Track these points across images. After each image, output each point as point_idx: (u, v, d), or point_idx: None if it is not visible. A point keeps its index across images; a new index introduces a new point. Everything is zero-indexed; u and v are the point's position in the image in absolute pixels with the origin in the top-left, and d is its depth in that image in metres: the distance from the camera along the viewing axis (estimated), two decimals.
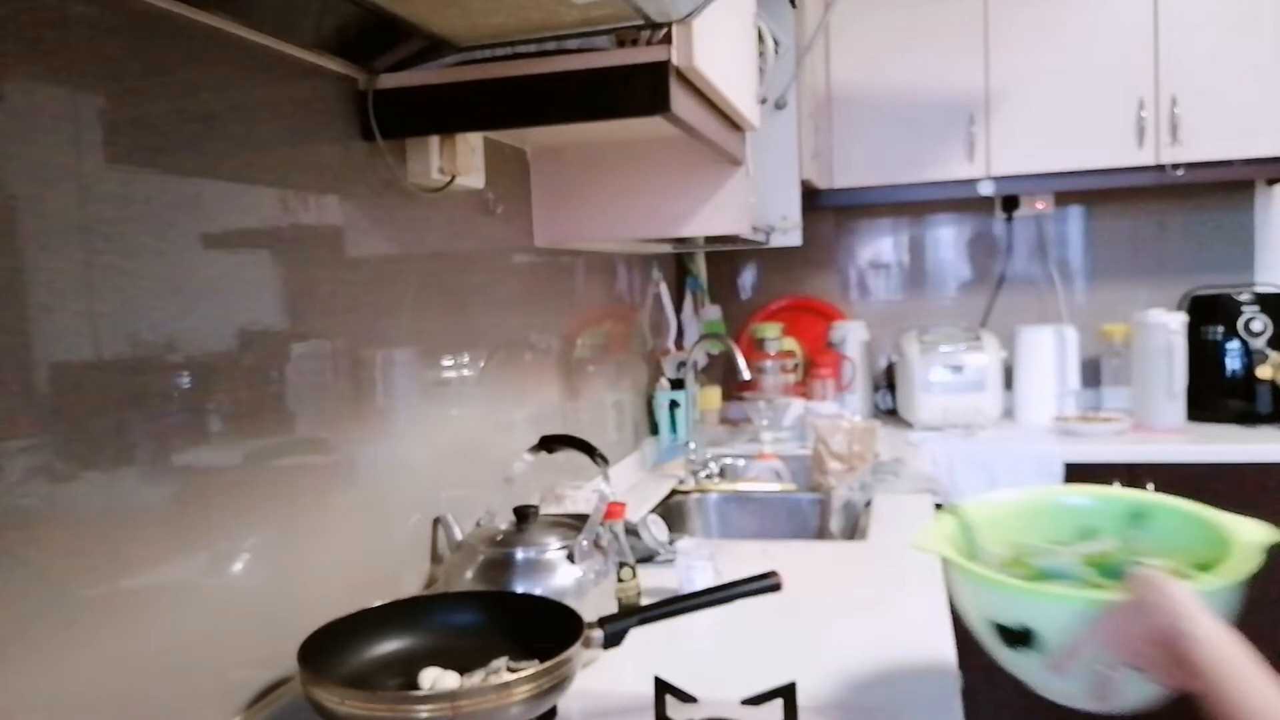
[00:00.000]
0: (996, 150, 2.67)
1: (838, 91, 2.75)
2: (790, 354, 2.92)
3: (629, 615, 1.03)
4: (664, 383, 2.61)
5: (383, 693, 0.93)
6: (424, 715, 0.84)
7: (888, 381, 3.05)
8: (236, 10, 0.99)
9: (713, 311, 3.07)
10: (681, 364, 2.59)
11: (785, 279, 3.19)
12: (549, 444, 1.34)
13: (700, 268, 3.05)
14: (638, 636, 1.02)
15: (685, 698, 0.99)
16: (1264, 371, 2.54)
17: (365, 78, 1.24)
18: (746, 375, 2.14)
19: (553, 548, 1.20)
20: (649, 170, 1.77)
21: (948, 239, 3.09)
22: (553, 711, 0.96)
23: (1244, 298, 2.61)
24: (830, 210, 3.07)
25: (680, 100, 1.21)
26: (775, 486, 2.29)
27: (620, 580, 1.31)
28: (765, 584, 1.08)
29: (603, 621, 1.01)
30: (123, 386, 0.86)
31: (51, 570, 0.78)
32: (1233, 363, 2.60)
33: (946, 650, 1.20)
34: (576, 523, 1.27)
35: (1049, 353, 2.76)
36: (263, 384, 1.05)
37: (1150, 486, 2.36)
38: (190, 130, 0.95)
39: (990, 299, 3.05)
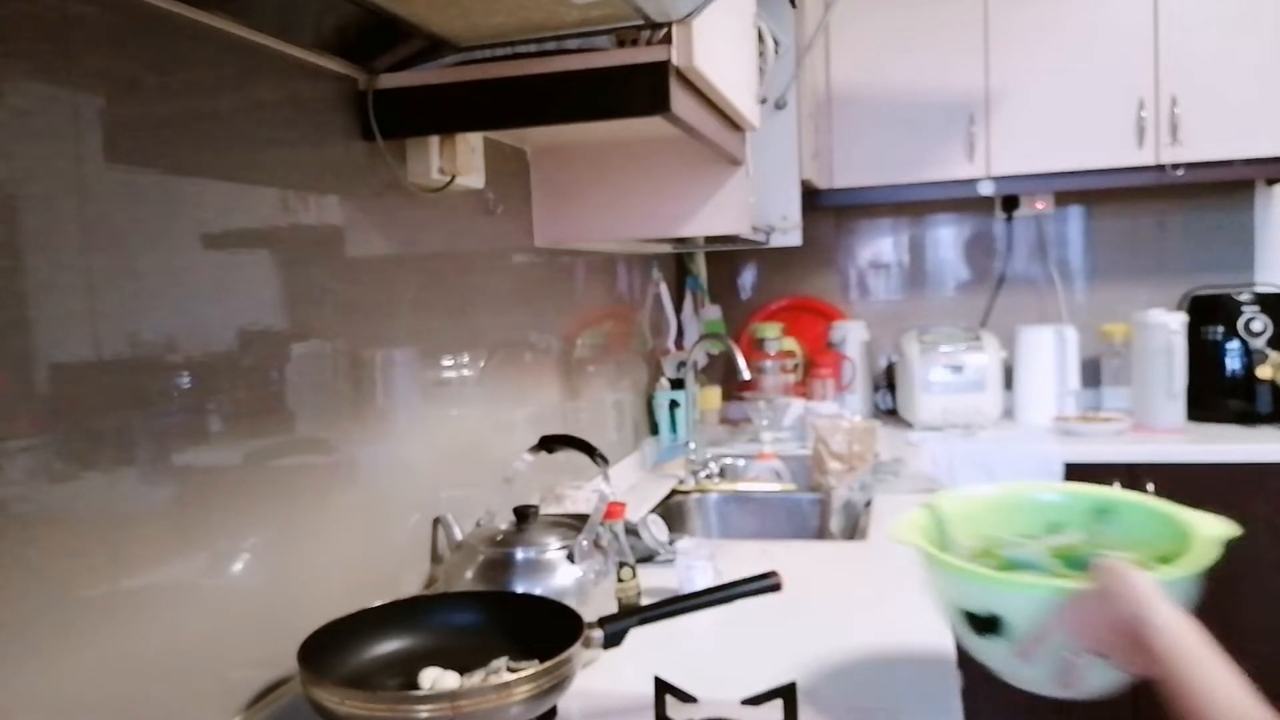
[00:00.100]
0: (996, 150, 2.67)
1: (838, 91, 2.75)
2: (790, 354, 2.92)
3: (629, 615, 1.03)
4: (664, 383, 2.61)
5: (383, 693, 0.93)
6: (424, 715, 0.84)
7: (888, 381, 3.05)
8: (237, 10, 0.99)
9: (713, 311, 3.07)
10: (681, 364, 2.59)
11: (785, 279, 3.19)
12: (549, 444, 1.34)
13: (700, 268, 3.05)
14: (638, 636, 1.02)
15: (685, 698, 0.99)
16: (1264, 371, 2.54)
17: (365, 78, 1.24)
18: (746, 375, 2.14)
19: (553, 548, 1.20)
20: (649, 170, 1.77)
21: (948, 239, 3.09)
22: (553, 711, 0.96)
23: (1244, 298, 2.61)
24: (830, 210, 3.06)
25: (680, 100, 1.21)
26: (775, 486, 2.29)
27: (620, 580, 1.31)
28: (765, 584, 1.08)
29: (603, 621, 1.01)
30: (123, 386, 0.86)
31: (51, 570, 0.78)
32: (1233, 363, 2.60)
33: (946, 650, 1.20)
34: (576, 523, 1.27)
35: (1049, 353, 2.76)
36: (263, 384, 1.05)
37: (1150, 486, 2.36)
38: (190, 130, 0.95)
39: (990, 299, 3.05)
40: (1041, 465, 2.42)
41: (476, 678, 0.95)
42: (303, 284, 1.13)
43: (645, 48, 1.17)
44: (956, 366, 2.73)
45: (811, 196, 2.72)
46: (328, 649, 0.97)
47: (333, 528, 1.17)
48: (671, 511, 2.15)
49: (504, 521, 1.28)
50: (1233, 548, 0.94)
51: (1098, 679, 0.89)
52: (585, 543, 1.22)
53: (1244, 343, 2.58)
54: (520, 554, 1.19)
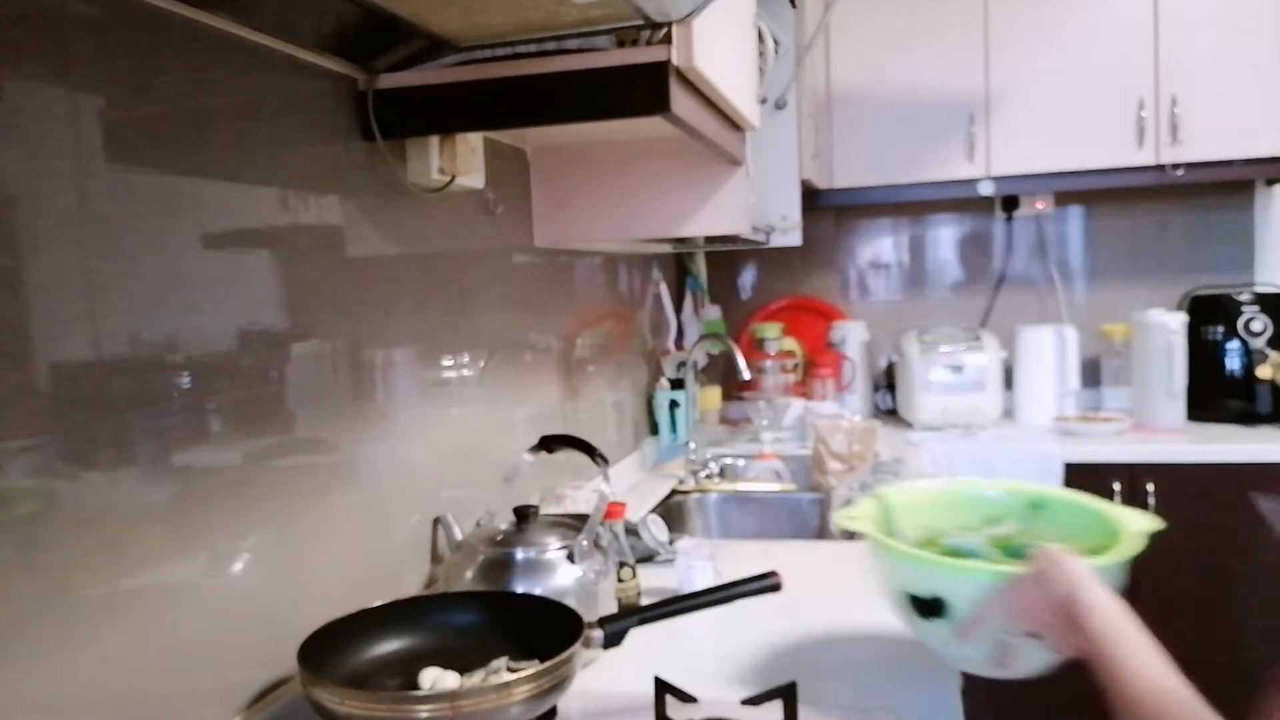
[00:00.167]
0: (996, 150, 2.67)
1: (838, 91, 2.75)
2: (790, 354, 2.92)
3: (629, 615, 1.03)
4: (664, 383, 2.61)
5: (383, 693, 0.93)
6: (424, 715, 0.84)
7: (888, 381, 3.05)
8: (236, 10, 0.99)
9: (713, 311, 3.07)
10: (681, 364, 2.59)
11: (785, 279, 3.19)
12: (549, 444, 1.34)
13: (700, 268, 3.05)
14: (638, 636, 1.02)
15: (685, 698, 0.99)
16: (1264, 371, 2.54)
17: (365, 78, 1.24)
18: (746, 375, 2.14)
19: (553, 548, 1.20)
20: (649, 170, 1.77)
21: (948, 239, 3.09)
22: (553, 711, 0.96)
23: (1244, 298, 2.61)
24: (830, 210, 3.07)
25: (680, 100, 1.21)
26: (775, 486, 2.29)
27: (620, 580, 1.31)
28: (765, 584, 1.08)
29: (603, 621, 1.00)
30: (123, 386, 0.86)
31: (51, 570, 0.78)
32: (1233, 363, 2.60)
33: None
34: (576, 523, 1.27)
35: (1049, 353, 2.76)
36: (263, 384, 1.05)
37: (1150, 486, 2.37)
38: (190, 130, 0.95)
39: (990, 299, 3.05)
40: (1041, 465, 2.42)
41: (476, 678, 0.95)
42: (303, 284, 1.13)
43: (645, 48, 1.17)
44: (956, 366, 2.73)
45: (811, 196, 2.72)
46: (328, 649, 0.97)
47: (333, 528, 1.17)
48: (671, 511, 2.15)
49: (504, 521, 1.28)
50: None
51: (1031, 660, 0.96)
52: (585, 543, 1.22)
53: (1244, 343, 2.58)
54: (520, 554, 1.19)
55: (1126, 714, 0.75)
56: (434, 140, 1.35)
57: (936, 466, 2.47)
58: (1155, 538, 1.01)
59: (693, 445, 2.34)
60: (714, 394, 2.84)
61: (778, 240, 2.25)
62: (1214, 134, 2.53)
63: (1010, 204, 2.97)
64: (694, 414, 2.39)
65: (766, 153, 2.18)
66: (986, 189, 2.71)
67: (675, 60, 1.16)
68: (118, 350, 0.85)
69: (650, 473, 2.44)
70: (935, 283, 3.11)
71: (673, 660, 1.20)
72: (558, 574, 1.18)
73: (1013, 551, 1.10)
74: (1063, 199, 2.96)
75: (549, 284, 1.92)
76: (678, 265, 3.09)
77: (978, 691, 1.39)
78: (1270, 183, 2.81)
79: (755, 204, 2.04)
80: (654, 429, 2.60)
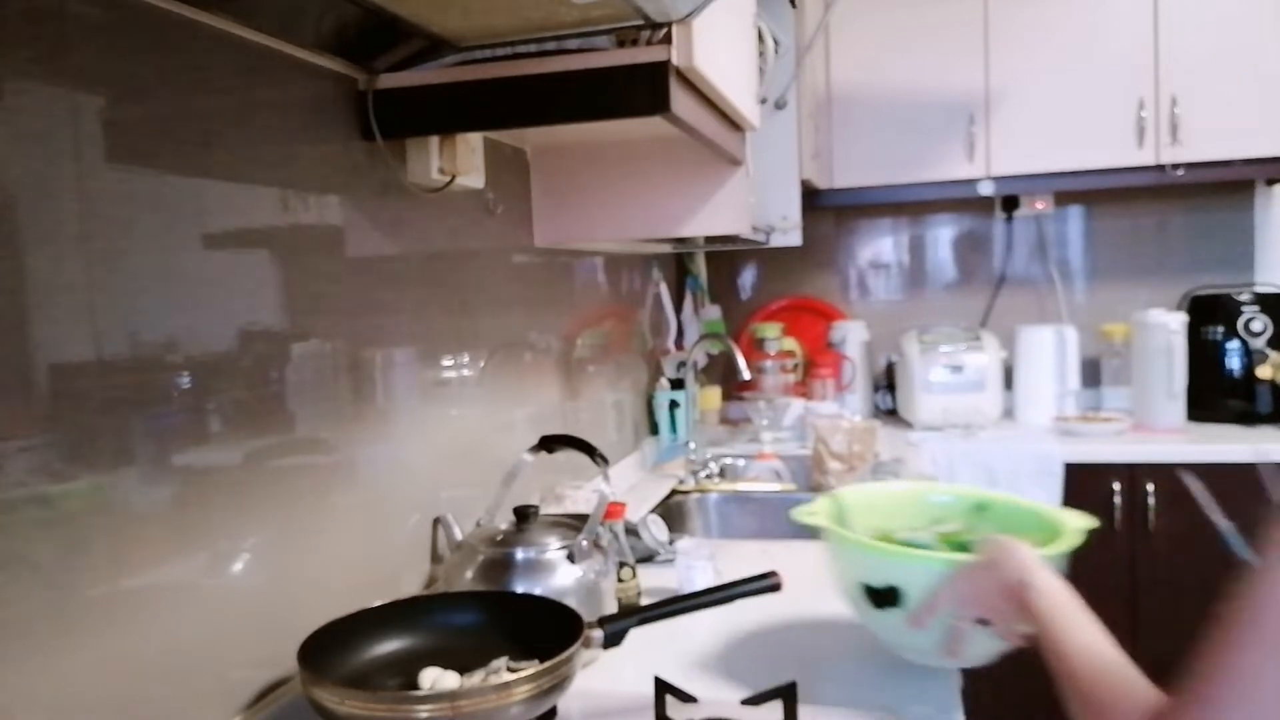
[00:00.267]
0: (996, 150, 2.67)
1: (838, 91, 2.75)
2: (790, 354, 2.92)
3: (629, 615, 1.03)
4: (664, 383, 2.61)
5: (383, 693, 0.93)
6: (424, 715, 0.84)
7: (888, 381, 3.05)
8: (237, 10, 0.99)
9: (713, 311, 3.07)
10: (681, 364, 2.59)
11: (785, 279, 3.19)
12: (549, 444, 1.34)
13: (700, 268, 3.05)
14: (638, 636, 1.02)
15: (685, 698, 0.99)
16: (1264, 371, 2.54)
17: (365, 78, 1.24)
18: (746, 375, 2.14)
19: (553, 548, 1.20)
20: (649, 170, 1.77)
21: (948, 239, 3.09)
22: (553, 711, 0.96)
23: (1244, 298, 2.61)
24: (830, 210, 3.07)
25: (680, 100, 1.21)
26: (775, 486, 2.29)
27: (620, 580, 1.31)
28: (765, 584, 1.08)
29: (603, 621, 1.00)
30: (123, 386, 0.86)
31: (51, 570, 0.78)
32: (1233, 363, 2.60)
33: None
34: (576, 523, 1.27)
35: (1049, 353, 2.76)
36: (263, 384, 1.05)
37: (1150, 487, 2.36)
38: (190, 130, 0.95)
39: (990, 299, 3.05)
40: (1041, 465, 2.42)
41: (476, 678, 0.95)
42: (303, 284, 1.13)
43: (645, 48, 1.17)
44: (956, 366, 2.73)
45: (811, 196, 2.72)
46: (328, 649, 0.97)
47: (333, 528, 1.17)
48: (671, 511, 2.15)
49: (504, 521, 1.28)
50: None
51: (980, 648, 1.01)
52: (585, 543, 1.22)
53: (1244, 343, 2.58)
54: (520, 554, 1.19)
55: (1067, 687, 0.78)
56: (434, 140, 1.35)
57: (936, 466, 2.47)
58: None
59: (693, 445, 2.34)
60: (714, 394, 2.84)
61: (778, 240, 2.25)
62: (1214, 134, 2.53)
63: (1010, 204, 2.97)
64: (694, 414, 2.39)
65: (766, 153, 2.18)
66: (986, 189, 2.71)
67: (675, 60, 1.16)
68: (118, 350, 0.85)
69: (650, 473, 2.44)
70: (935, 283, 3.11)
71: (673, 660, 1.20)
72: (558, 574, 1.18)
73: (960, 546, 1.16)
74: (1063, 199, 2.96)
75: (549, 284, 1.92)
76: (678, 265, 3.09)
77: (978, 691, 1.38)
78: (1270, 183, 2.81)
79: (755, 204, 2.04)
80: (654, 429, 2.60)
